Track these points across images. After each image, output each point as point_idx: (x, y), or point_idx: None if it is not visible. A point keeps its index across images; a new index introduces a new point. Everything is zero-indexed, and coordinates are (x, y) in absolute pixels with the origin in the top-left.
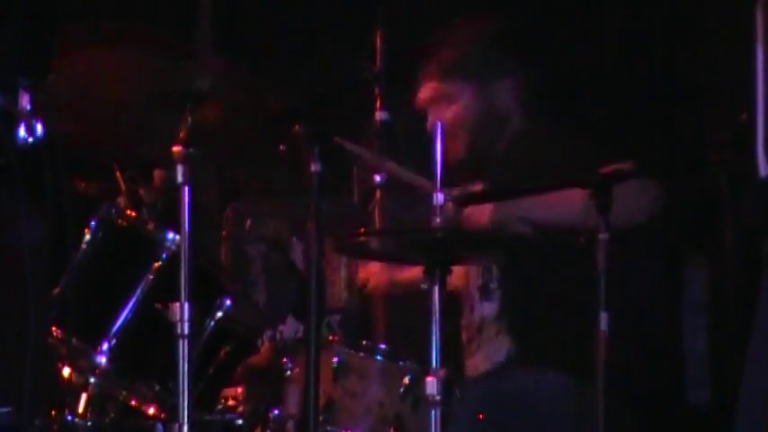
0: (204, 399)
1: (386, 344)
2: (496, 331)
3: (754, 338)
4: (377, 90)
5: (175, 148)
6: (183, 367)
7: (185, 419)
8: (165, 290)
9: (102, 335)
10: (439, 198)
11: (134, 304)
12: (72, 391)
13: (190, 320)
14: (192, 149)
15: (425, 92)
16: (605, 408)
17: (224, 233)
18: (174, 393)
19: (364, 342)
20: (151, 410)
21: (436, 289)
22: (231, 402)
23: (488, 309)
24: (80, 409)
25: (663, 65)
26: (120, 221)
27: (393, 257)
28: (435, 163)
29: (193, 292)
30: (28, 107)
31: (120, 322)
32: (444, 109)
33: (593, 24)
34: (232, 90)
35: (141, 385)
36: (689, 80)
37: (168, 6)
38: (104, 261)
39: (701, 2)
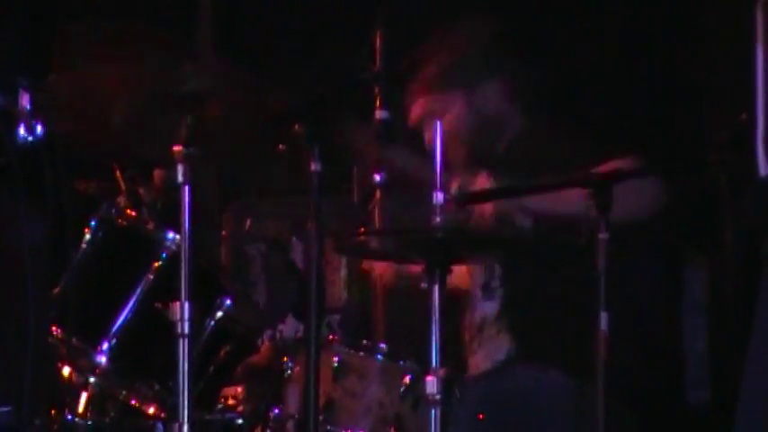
0: (204, 398)
1: (386, 343)
2: (497, 330)
3: (754, 338)
4: (377, 90)
5: (175, 148)
6: (183, 367)
7: (185, 419)
8: (165, 289)
9: (102, 335)
10: (439, 198)
11: (134, 304)
12: (72, 390)
13: (190, 320)
14: (192, 149)
15: (416, 110)
16: (605, 407)
17: (224, 233)
18: (174, 393)
19: (364, 342)
20: (151, 410)
21: (436, 288)
22: (231, 402)
23: (490, 308)
24: (80, 409)
25: (663, 65)
26: (120, 221)
27: (393, 257)
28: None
29: (193, 291)
30: (28, 107)
31: (120, 322)
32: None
33: (593, 24)
34: (232, 90)
35: (141, 385)
36: (689, 80)
37: (168, 6)
38: (104, 261)
39: (701, 2)
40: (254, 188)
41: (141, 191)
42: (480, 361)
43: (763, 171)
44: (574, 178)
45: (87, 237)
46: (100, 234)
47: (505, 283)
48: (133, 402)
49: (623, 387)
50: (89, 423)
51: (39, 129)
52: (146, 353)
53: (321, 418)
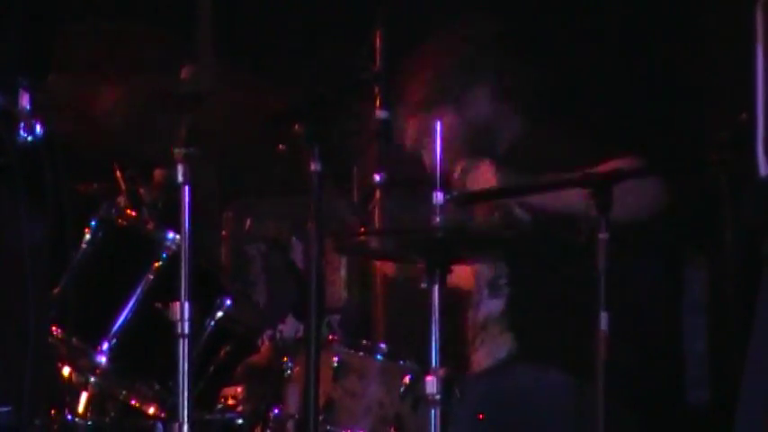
0: (204, 398)
1: (386, 343)
2: (500, 329)
3: (754, 338)
4: (377, 90)
5: (175, 148)
6: (183, 367)
7: (185, 419)
8: (165, 289)
9: (102, 335)
10: (439, 197)
11: (134, 304)
12: (72, 390)
13: (190, 320)
14: (192, 149)
15: (410, 131)
16: (605, 407)
17: (224, 233)
18: (174, 393)
19: (364, 342)
20: (151, 410)
21: (436, 288)
22: (231, 402)
23: (494, 306)
24: (80, 409)
25: (663, 65)
26: (120, 221)
27: (393, 257)
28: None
29: (193, 291)
30: (28, 107)
31: (120, 322)
32: (434, 141)
33: (593, 24)
34: (232, 90)
35: (141, 385)
36: (689, 80)
37: (168, 6)
38: (104, 261)
39: (701, 2)
40: (254, 188)
41: (141, 191)
42: (482, 358)
43: (763, 171)
44: (574, 178)
45: (87, 237)
46: (100, 234)
47: (511, 282)
48: (133, 402)
49: (623, 387)
50: (89, 423)
51: (38, 129)
52: (146, 353)
53: (321, 418)
